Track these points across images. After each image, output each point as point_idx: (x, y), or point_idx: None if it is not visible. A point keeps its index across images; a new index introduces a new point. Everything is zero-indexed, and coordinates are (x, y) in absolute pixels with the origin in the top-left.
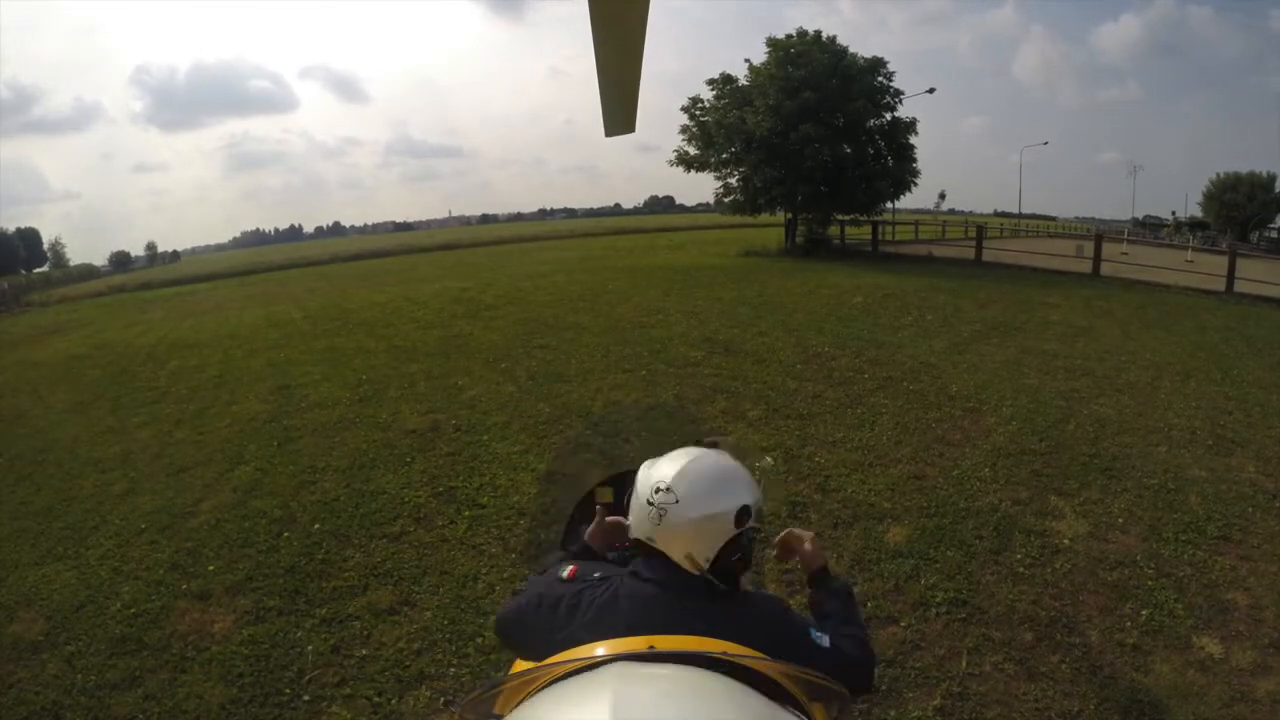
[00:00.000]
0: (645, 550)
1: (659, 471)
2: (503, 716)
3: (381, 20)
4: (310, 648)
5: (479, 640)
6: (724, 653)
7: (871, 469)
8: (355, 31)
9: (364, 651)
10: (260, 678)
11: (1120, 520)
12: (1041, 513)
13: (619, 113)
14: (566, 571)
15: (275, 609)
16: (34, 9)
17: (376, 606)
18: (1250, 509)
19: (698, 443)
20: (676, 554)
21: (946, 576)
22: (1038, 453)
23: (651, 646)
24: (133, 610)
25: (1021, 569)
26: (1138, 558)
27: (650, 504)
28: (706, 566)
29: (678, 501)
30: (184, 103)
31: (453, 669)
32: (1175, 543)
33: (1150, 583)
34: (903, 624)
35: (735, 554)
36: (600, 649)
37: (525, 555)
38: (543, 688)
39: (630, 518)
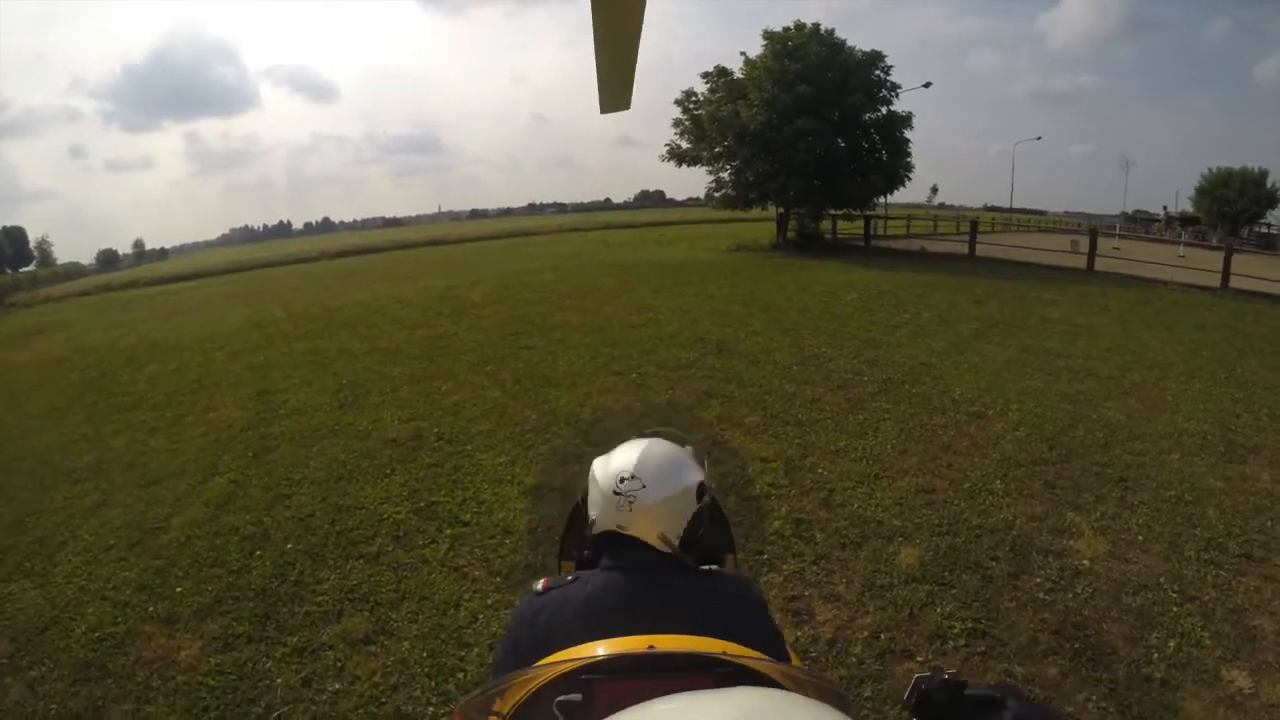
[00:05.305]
0: (614, 540)
1: (619, 463)
2: (502, 715)
3: (340, 21)
4: (280, 680)
5: (460, 675)
6: (724, 652)
7: (878, 481)
8: (321, 33)
9: (337, 685)
10: (226, 712)
11: (1140, 538)
12: (1058, 530)
13: (615, 90)
14: (540, 585)
15: (244, 635)
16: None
17: (351, 635)
18: (1269, 522)
19: (640, 434)
20: (650, 536)
21: (963, 604)
22: (1049, 462)
23: (651, 646)
24: (97, 634)
25: (1042, 594)
26: (1161, 579)
27: (618, 494)
28: (678, 544)
29: (644, 487)
30: (159, 103)
31: (431, 707)
32: (1197, 562)
33: (1175, 608)
34: (919, 658)
35: (699, 528)
36: (600, 649)
37: (510, 579)
38: (542, 687)
39: (595, 513)
